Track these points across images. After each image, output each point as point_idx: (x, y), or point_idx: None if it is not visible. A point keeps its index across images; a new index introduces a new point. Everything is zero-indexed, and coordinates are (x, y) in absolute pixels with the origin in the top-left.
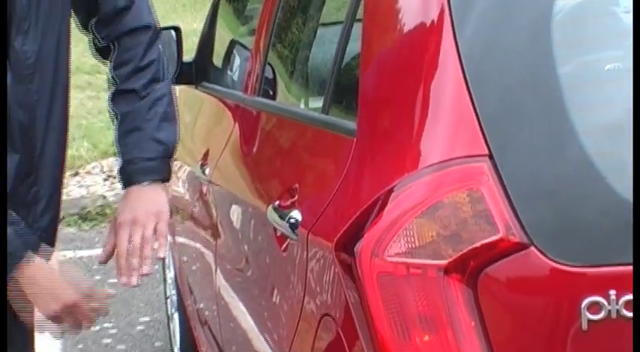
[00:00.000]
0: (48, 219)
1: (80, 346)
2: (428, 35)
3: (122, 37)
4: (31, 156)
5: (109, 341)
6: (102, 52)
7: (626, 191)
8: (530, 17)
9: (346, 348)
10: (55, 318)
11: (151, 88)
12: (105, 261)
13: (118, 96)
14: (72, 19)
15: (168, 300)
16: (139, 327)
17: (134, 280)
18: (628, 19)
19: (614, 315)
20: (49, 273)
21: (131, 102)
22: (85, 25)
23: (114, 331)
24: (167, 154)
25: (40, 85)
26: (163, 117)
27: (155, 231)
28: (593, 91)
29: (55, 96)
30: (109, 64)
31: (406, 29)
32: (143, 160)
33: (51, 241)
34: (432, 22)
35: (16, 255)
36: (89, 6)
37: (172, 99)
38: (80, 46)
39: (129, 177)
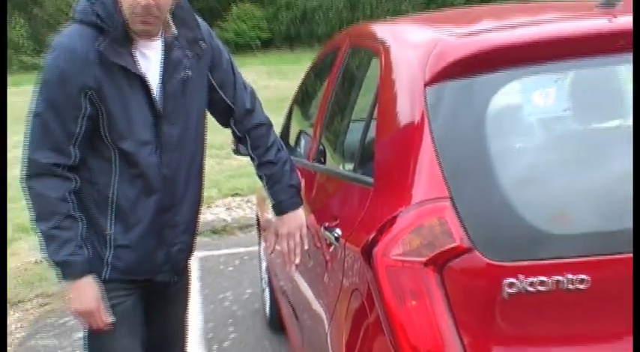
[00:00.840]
0: (187, 236)
1: (212, 306)
2: (414, 128)
3: (250, 130)
4: (173, 196)
5: (228, 303)
6: (240, 140)
7: (530, 219)
8: (473, 119)
9: (367, 309)
10: None
11: (279, 156)
12: (272, 251)
13: (260, 165)
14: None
15: (262, 280)
16: (245, 296)
17: (294, 267)
18: (528, 119)
19: (522, 290)
20: (88, 292)
21: (270, 168)
22: (225, 124)
23: (231, 297)
24: (298, 191)
25: (181, 154)
26: (290, 170)
27: (301, 237)
28: (509, 160)
29: (194, 161)
30: (248, 147)
31: (402, 124)
32: (287, 200)
33: (190, 248)
34: (417, 121)
35: (79, 268)
36: (227, 112)
37: (290, 158)
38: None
39: (281, 210)
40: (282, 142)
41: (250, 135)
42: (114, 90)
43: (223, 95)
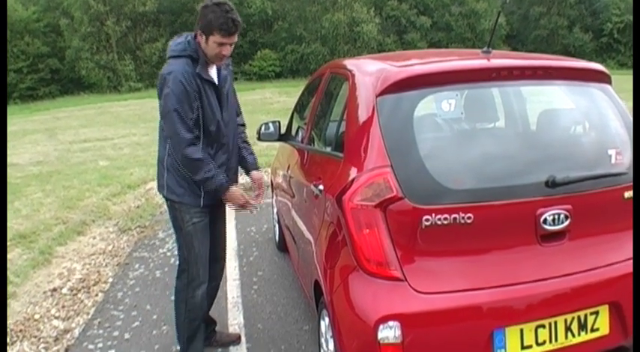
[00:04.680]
0: (235, 175)
1: (242, 235)
2: (369, 123)
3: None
4: (228, 152)
5: (252, 234)
6: None
7: (438, 180)
8: (404, 117)
9: (338, 235)
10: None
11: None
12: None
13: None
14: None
15: (274, 219)
16: (263, 229)
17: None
18: (437, 119)
19: (433, 223)
20: (236, 191)
21: (247, 146)
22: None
23: (254, 230)
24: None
25: (229, 129)
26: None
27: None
28: (425, 143)
29: (235, 132)
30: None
31: (361, 121)
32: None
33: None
34: (370, 118)
35: (226, 186)
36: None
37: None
38: None
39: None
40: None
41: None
42: (204, 93)
43: (236, 97)
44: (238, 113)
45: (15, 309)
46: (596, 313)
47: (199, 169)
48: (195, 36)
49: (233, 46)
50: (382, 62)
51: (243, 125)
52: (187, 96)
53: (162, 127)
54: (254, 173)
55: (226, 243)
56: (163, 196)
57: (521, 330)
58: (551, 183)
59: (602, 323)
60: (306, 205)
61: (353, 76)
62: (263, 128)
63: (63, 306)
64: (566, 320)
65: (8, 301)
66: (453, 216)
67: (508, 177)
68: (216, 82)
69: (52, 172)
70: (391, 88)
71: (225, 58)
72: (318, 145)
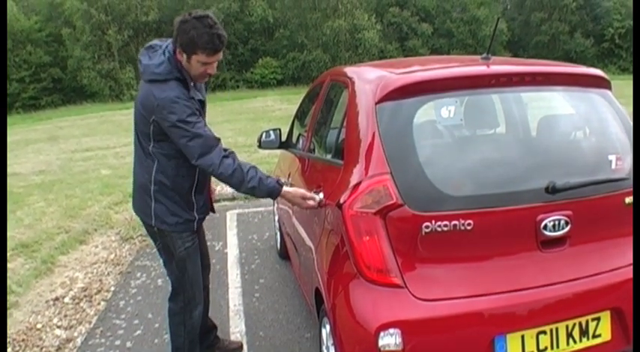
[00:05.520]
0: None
1: (244, 243)
2: (368, 130)
3: None
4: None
5: (254, 241)
6: None
7: (438, 186)
8: (404, 125)
9: (339, 242)
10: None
11: None
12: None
13: None
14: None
15: (275, 227)
16: (265, 237)
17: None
18: (437, 126)
19: (433, 230)
20: (291, 191)
21: None
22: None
23: (256, 237)
24: None
25: None
26: None
27: None
28: (425, 150)
29: None
30: None
31: (361, 128)
32: None
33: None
34: (370, 126)
35: (278, 188)
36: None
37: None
38: (242, 135)
39: None
40: None
41: None
42: (198, 115)
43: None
44: None
45: (17, 319)
46: (598, 319)
47: (240, 182)
48: (174, 52)
49: (217, 63)
50: (381, 69)
51: None
52: (193, 112)
53: (144, 150)
54: None
55: (207, 249)
56: (148, 224)
57: (523, 337)
58: (551, 189)
59: (603, 329)
60: (306, 213)
61: (353, 83)
62: (264, 136)
63: (65, 315)
64: (567, 327)
65: (10, 311)
66: (453, 222)
67: (508, 183)
68: (202, 99)
69: (54, 181)
70: (390, 95)
71: (211, 76)
72: (319, 153)
